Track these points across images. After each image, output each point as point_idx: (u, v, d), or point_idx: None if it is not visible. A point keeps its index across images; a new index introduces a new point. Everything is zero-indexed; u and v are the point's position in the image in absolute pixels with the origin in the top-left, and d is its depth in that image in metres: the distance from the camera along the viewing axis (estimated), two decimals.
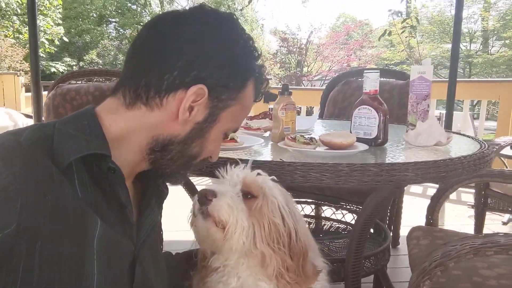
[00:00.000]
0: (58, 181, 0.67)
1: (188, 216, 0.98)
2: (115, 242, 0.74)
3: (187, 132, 0.82)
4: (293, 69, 20.13)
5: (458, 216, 3.50)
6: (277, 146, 1.39)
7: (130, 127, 0.80)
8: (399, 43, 16.89)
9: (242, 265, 0.95)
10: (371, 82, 1.45)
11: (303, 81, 19.45)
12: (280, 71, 20.35)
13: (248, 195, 0.95)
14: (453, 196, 4.05)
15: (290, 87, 1.55)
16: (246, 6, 23.16)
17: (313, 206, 2.33)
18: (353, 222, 2.19)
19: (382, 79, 2.88)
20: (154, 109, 0.79)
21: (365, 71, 1.51)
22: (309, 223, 2.24)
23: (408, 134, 1.48)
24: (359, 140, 1.42)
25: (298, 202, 2.31)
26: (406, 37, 14.26)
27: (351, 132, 1.49)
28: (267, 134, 1.60)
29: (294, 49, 19.82)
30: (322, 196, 2.27)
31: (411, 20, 10.55)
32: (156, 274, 0.89)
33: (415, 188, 4.25)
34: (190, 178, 1.93)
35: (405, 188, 4.21)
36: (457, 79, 3.72)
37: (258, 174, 0.99)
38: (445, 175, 1.16)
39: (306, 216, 2.28)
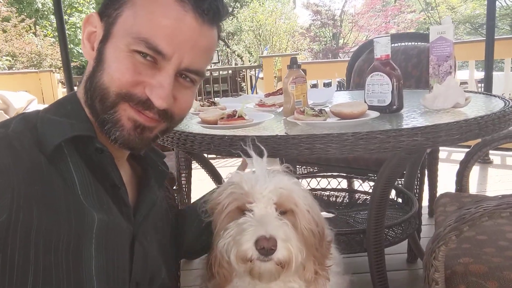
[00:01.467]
0: (47, 170, 0.67)
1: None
2: (112, 225, 0.74)
3: (93, 64, 0.76)
4: (328, 42, 19.66)
5: (502, 181, 3.34)
6: (286, 121, 1.38)
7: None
8: (439, 4, 16.02)
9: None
10: (382, 47, 1.40)
11: (339, 54, 18.97)
12: (315, 45, 19.94)
13: (282, 210, 0.90)
14: (497, 160, 3.86)
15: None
16: None
17: (339, 179, 2.30)
18: None
19: (409, 43, 2.78)
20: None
21: (374, 37, 1.45)
22: (336, 197, 2.23)
23: (425, 98, 1.42)
24: (373, 108, 1.39)
25: (324, 176, 2.30)
26: None
27: (365, 101, 1.45)
28: (280, 109, 1.59)
29: (328, 22, 19.30)
30: (349, 169, 2.24)
31: None
32: (160, 250, 0.91)
33: (456, 155, 4.09)
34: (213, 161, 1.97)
35: (444, 155, 4.08)
36: (498, 37, 3.48)
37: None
38: (459, 137, 1.11)
39: (333, 189, 2.27)
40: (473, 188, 3.06)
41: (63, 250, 0.66)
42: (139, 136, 0.77)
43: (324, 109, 1.31)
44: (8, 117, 3.39)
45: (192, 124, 1.44)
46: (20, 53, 11.18)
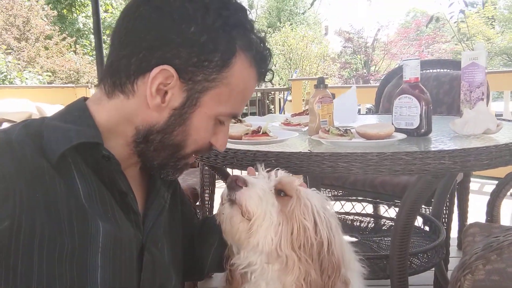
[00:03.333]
0: (49, 178, 0.66)
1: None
2: (120, 234, 0.73)
3: (165, 120, 0.76)
4: (359, 69, 19.63)
5: None
6: (311, 140, 1.38)
7: (112, 118, 0.77)
8: (475, 34, 15.79)
9: (268, 271, 0.86)
10: (411, 70, 1.39)
11: (371, 81, 18.89)
12: (345, 72, 19.94)
13: (281, 192, 0.88)
14: None
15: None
16: (309, 9, 23.04)
17: (364, 204, 2.26)
18: None
19: (441, 70, 2.75)
20: (130, 97, 0.75)
21: (403, 60, 1.44)
22: (360, 221, 2.18)
23: (455, 123, 1.39)
24: (400, 131, 1.37)
25: (348, 200, 2.26)
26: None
27: (392, 124, 1.43)
28: (305, 129, 1.59)
29: (359, 49, 19.33)
30: (375, 194, 2.19)
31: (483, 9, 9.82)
32: (172, 256, 0.89)
33: (489, 187, 3.94)
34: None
35: (476, 187, 3.93)
36: None
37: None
38: (489, 162, 1.07)
39: (357, 214, 2.22)
40: (505, 222, 2.93)
41: (67, 259, 0.65)
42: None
43: (349, 129, 1.30)
44: None
45: None
46: (59, 70, 11.70)
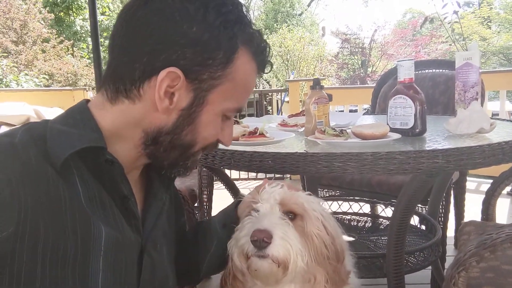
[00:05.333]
0: (53, 183, 0.66)
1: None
2: (121, 239, 0.73)
3: (174, 121, 0.76)
4: (356, 70, 19.67)
5: None
6: (307, 140, 1.39)
7: (117, 122, 0.77)
8: (471, 34, 15.84)
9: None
10: (405, 70, 1.41)
11: (368, 81, 18.92)
12: (343, 73, 19.99)
13: (289, 214, 0.90)
14: None
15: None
16: (306, 10, 23.09)
17: (361, 204, 2.27)
18: None
19: (437, 70, 2.77)
20: (136, 101, 0.75)
21: (398, 60, 1.46)
22: (358, 221, 2.19)
23: (449, 123, 1.40)
24: (395, 131, 1.38)
25: (346, 200, 2.28)
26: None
27: (387, 124, 1.45)
28: (302, 129, 1.60)
29: (356, 50, 19.37)
30: (372, 194, 2.21)
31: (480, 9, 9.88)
32: (169, 256, 0.90)
33: (485, 186, 3.96)
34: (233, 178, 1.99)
35: (472, 186, 3.95)
36: None
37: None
38: (482, 161, 1.09)
39: (355, 214, 2.23)
40: (501, 220, 2.95)
41: (70, 264, 0.66)
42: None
43: (345, 130, 1.32)
44: None
45: None
46: (57, 73, 11.70)
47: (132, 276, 0.77)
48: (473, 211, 2.64)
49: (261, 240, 0.81)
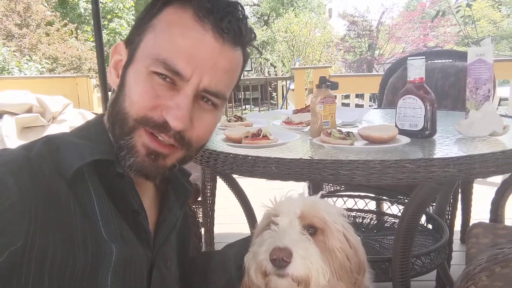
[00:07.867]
0: (64, 196, 0.65)
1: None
2: (131, 255, 0.73)
3: (116, 90, 0.76)
4: (363, 53, 19.42)
5: None
6: (313, 142, 1.35)
7: None
8: (480, 17, 15.52)
9: None
10: (415, 70, 1.35)
11: (375, 65, 18.69)
12: (349, 56, 19.74)
13: (310, 228, 0.86)
14: None
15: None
16: None
17: (367, 200, 2.23)
18: None
19: (447, 61, 2.68)
20: None
21: (409, 57, 1.40)
22: (363, 218, 2.16)
23: (460, 124, 1.35)
24: (404, 132, 1.33)
25: (351, 196, 2.24)
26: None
27: (396, 125, 1.40)
28: (307, 128, 1.56)
29: (364, 32, 19.09)
30: (378, 190, 2.17)
31: None
32: (178, 272, 0.90)
33: (493, 178, 3.90)
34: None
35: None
36: None
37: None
38: (495, 170, 1.04)
39: (360, 210, 2.20)
40: (509, 219, 2.92)
41: (78, 278, 0.65)
42: (153, 163, 0.74)
43: (351, 132, 1.27)
44: (44, 121, 3.52)
45: (216, 141, 1.43)
46: (61, 57, 11.62)
47: None
48: (481, 205, 2.60)
49: (281, 259, 0.78)
